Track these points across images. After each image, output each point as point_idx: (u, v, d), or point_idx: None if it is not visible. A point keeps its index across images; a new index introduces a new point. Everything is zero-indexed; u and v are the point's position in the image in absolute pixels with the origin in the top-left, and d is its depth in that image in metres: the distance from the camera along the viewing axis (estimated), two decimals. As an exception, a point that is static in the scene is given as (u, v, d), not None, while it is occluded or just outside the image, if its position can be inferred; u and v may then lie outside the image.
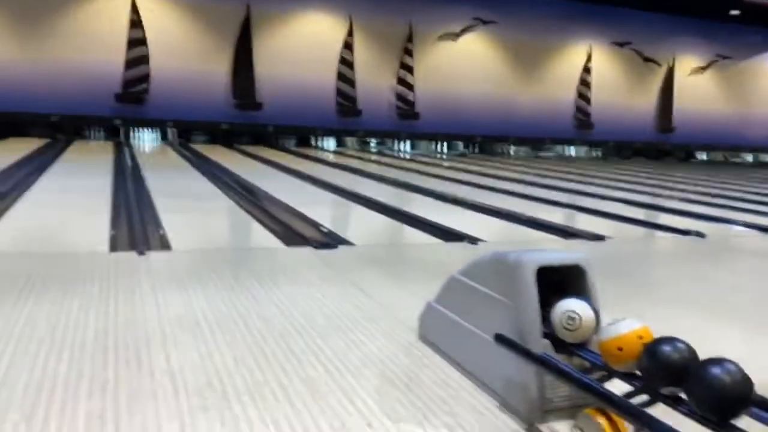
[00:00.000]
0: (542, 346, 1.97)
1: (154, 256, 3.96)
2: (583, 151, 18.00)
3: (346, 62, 15.08)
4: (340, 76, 15.15)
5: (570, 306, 1.96)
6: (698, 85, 18.84)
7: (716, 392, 1.48)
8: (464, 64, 16.19)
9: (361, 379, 2.30)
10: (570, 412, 2.01)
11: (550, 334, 2.01)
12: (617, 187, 9.77)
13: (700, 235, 5.54)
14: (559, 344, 1.99)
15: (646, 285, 4.07)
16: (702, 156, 19.58)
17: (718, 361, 1.52)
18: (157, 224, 5.00)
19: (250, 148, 13.71)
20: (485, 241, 4.94)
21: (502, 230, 5.79)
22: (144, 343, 2.51)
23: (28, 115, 12.72)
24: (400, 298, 3.35)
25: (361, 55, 15.22)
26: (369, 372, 2.37)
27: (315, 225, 5.39)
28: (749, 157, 19.91)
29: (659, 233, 6.03)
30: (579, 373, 1.88)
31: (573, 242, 5.17)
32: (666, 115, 18.44)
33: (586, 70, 17.46)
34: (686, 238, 5.56)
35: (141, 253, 3.96)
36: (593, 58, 17.43)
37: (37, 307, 2.87)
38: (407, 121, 15.81)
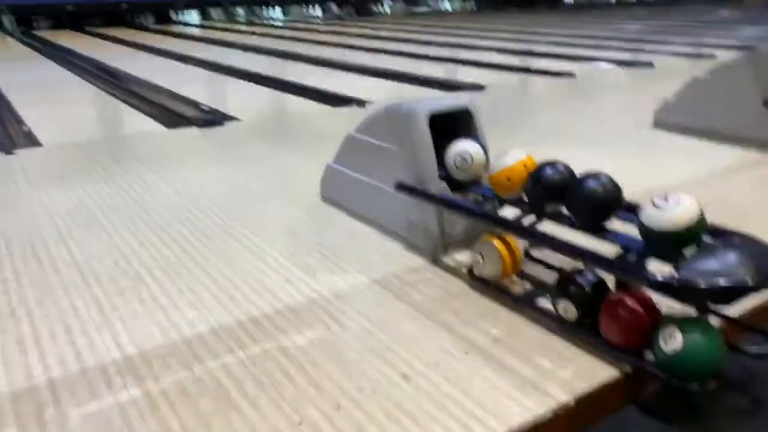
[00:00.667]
0: (440, 188, 2.11)
1: (25, 154, 3.67)
2: (457, 4, 17.93)
3: None
4: (194, -61, 13.73)
5: (461, 147, 2.09)
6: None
7: (591, 200, 1.68)
8: None
9: (273, 242, 2.37)
10: (468, 243, 2.22)
11: (445, 176, 2.14)
12: (493, 36, 9.95)
13: (570, 75, 5.88)
14: (455, 184, 2.14)
15: (526, 125, 4.35)
16: (569, 0, 20.16)
17: (592, 175, 1.72)
18: (18, 121, 4.57)
19: (105, 30, 12.43)
20: (372, 102, 4.97)
21: (386, 90, 5.82)
22: (39, 241, 2.41)
23: None
24: (298, 165, 3.38)
25: None
26: (279, 235, 2.44)
27: (194, 104, 5.15)
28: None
29: (535, 77, 6.31)
30: (474, 205, 2.05)
31: (455, 94, 5.32)
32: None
33: None
34: (559, 79, 5.89)
35: (9, 152, 3.65)
36: None
37: None
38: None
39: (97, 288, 2.02)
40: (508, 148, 2.00)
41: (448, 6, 17.93)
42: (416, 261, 2.18)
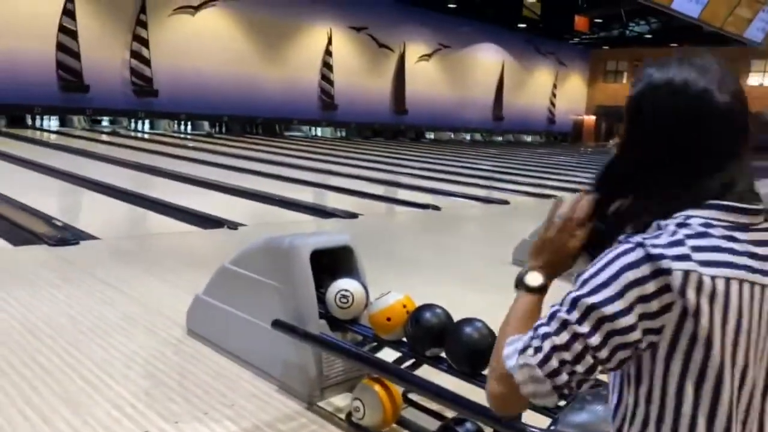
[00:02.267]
0: (319, 327, 2.05)
1: None
2: (328, 131, 18.72)
3: (67, 31, 13.31)
4: (61, 47, 13.34)
5: (342, 285, 2.07)
6: (425, 71, 20.91)
7: (468, 348, 1.71)
8: (205, 39, 15.47)
9: (128, 384, 2.13)
10: (347, 385, 2.14)
11: (325, 314, 2.09)
12: (363, 165, 10.43)
13: (436, 208, 6.24)
14: (334, 323, 2.10)
15: (399, 257, 4.46)
16: (431, 135, 21.88)
17: (468, 322, 1.76)
18: None
19: (-54, 129, 11.43)
20: (245, 225, 4.89)
21: (259, 212, 5.79)
22: None
23: None
24: (160, 293, 3.16)
25: (86, 24, 13.57)
26: (135, 374, 2.20)
27: (46, 218, 4.75)
28: (467, 136, 22.82)
29: (403, 208, 6.60)
30: (353, 346, 2.00)
31: (329, 221, 5.40)
32: (399, 98, 20.16)
33: (328, 52, 18.09)
34: (425, 212, 6.21)
35: None
36: (333, 41, 18.12)
37: None
38: (144, 98, 14.64)
39: None
40: (382, 288, 2.02)
41: (319, 132, 18.68)
42: (291, 406, 2.05)
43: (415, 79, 20.51)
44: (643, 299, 0.73)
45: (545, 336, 0.76)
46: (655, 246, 0.73)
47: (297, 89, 17.44)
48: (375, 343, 2.01)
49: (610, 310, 0.73)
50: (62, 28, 13.37)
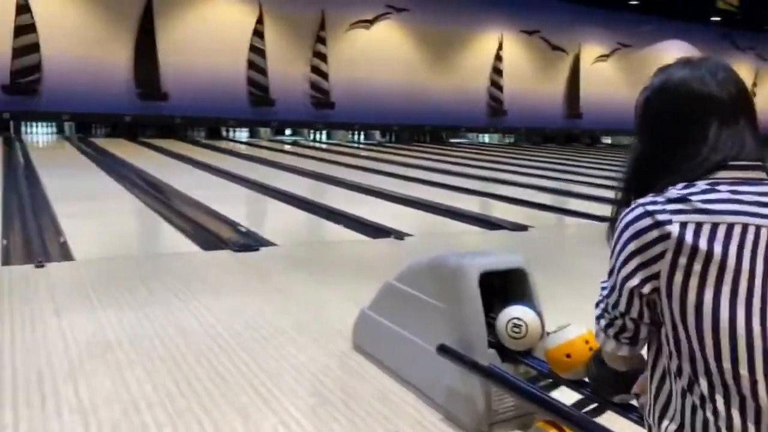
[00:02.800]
0: (488, 357, 1.90)
1: (55, 269, 3.59)
2: (496, 138, 18.42)
3: (256, 50, 14.57)
4: (251, 65, 14.62)
5: (515, 313, 1.89)
6: (602, 72, 19.73)
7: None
8: (378, 52, 16.07)
9: (295, 399, 2.14)
10: (516, 422, 1.96)
11: (495, 342, 1.93)
12: (532, 173, 10.03)
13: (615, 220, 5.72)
14: (505, 353, 1.92)
15: (574, 275, 4.13)
16: (607, 140, 20.58)
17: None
18: (57, 231, 4.58)
19: (157, 141, 13.00)
20: (411, 235, 4.87)
21: (426, 222, 5.75)
22: (48, 375, 2.23)
23: None
24: (330, 303, 3.21)
25: (272, 42, 14.75)
26: (302, 390, 2.22)
27: (232, 224, 5.13)
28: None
29: (578, 220, 6.18)
30: (527, 383, 1.81)
31: (497, 233, 5.20)
32: (573, 101, 19.24)
33: (498, 57, 17.82)
34: (603, 225, 5.72)
35: (39, 265, 3.59)
36: (504, 46, 17.81)
37: None
38: (322, 110, 15.54)
39: (97, 443, 1.81)
40: (558, 314, 1.81)
41: (486, 139, 18.43)
42: (456, 439, 1.91)
43: (591, 81, 19.41)
44: (641, 250, 0.85)
45: (599, 303, 0.97)
46: (654, 203, 0.86)
47: (465, 96, 17.36)
48: (550, 380, 1.81)
49: (617, 265, 0.89)
50: (253, 48, 14.63)
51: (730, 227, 0.81)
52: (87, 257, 3.87)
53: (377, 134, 16.79)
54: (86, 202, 5.97)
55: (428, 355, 2.07)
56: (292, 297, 3.27)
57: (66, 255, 3.90)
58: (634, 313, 0.88)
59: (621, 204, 0.97)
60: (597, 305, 0.96)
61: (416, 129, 17.13)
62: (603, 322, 0.94)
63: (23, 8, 12.20)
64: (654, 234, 0.83)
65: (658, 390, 0.90)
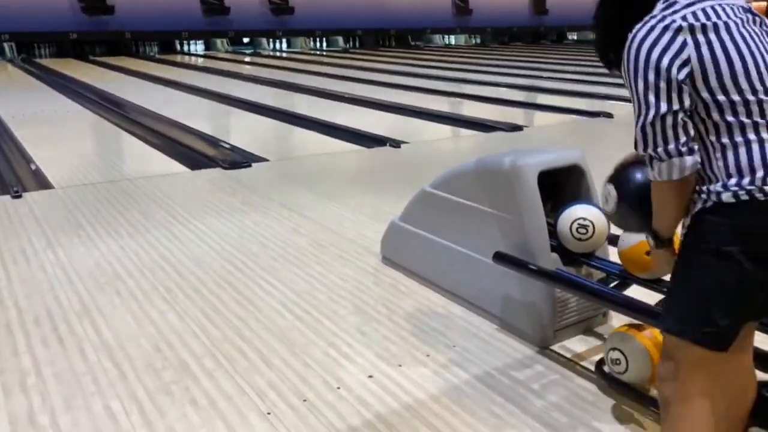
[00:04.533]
0: (552, 262, 1.76)
1: (35, 198, 3.29)
2: (462, 39, 17.81)
3: (206, -46, 13.46)
4: (202, -30, 13.56)
5: (580, 213, 1.74)
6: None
7: None
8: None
9: (338, 320, 2.00)
10: (580, 327, 1.86)
11: (556, 246, 1.79)
12: (513, 74, 9.73)
13: (608, 115, 5.59)
14: (568, 257, 1.79)
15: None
16: (573, 36, 20.14)
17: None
18: (25, 158, 4.21)
19: (108, 59, 12.14)
20: (407, 142, 4.65)
21: (416, 129, 5.51)
22: (59, 313, 2.02)
23: None
24: (342, 217, 3.02)
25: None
26: (342, 309, 2.07)
27: (213, 141, 4.82)
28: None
29: (572, 117, 5.99)
30: (600, 285, 1.69)
31: (494, 135, 5.01)
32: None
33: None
34: (597, 120, 5.58)
35: (16, 195, 3.28)
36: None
37: None
38: (281, 16, 14.66)
39: (136, 383, 1.64)
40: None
41: (453, 41, 17.84)
42: (519, 349, 1.81)
43: (558, -25, 18.71)
44: (666, 48, 1.03)
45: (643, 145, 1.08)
46: (653, 17, 1.06)
47: (429, -4, 16.57)
48: (618, 281, 1.69)
49: (650, 73, 1.04)
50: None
51: (714, 7, 1.04)
52: (66, 183, 3.55)
53: (340, 40, 16.05)
54: (49, 125, 5.51)
55: (479, 265, 1.93)
56: (300, 213, 3.07)
57: (43, 183, 3.57)
58: (676, 104, 1.02)
59: (606, 42, 1.20)
60: (642, 148, 1.07)
61: (381, 33, 16.41)
62: (659, 149, 1.04)
63: None
64: (669, 33, 1.03)
65: (704, 173, 1.05)
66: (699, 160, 1.04)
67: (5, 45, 12.37)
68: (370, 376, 1.67)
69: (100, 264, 2.42)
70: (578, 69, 9.96)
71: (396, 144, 4.56)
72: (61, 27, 12.39)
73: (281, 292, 2.20)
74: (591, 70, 8.79)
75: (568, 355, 1.75)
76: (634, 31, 1.06)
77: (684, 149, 1.03)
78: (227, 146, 4.60)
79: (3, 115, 5.77)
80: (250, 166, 3.98)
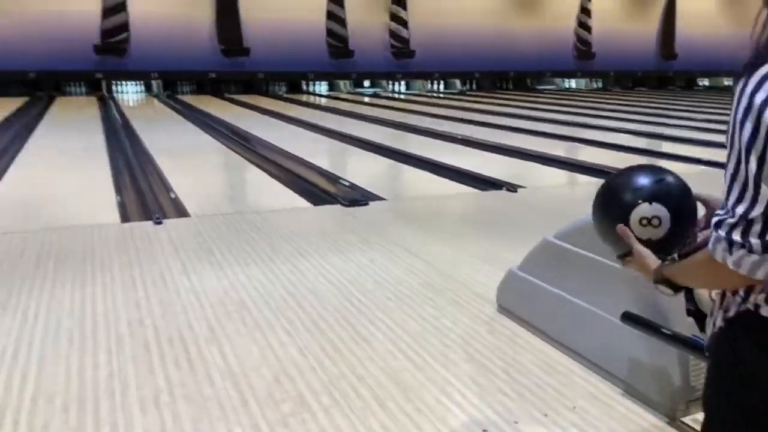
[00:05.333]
0: (687, 326, 1.65)
1: (173, 225, 3.57)
2: (583, 83, 17.42)
3: (335, 0, 14.26)
4: (330, 16, 14.33)
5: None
6: (701, 8, 18.07)
7: None
8: (459, -5, 15.41)
9: (450, 366, 1.98)
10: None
11: (692, 310, 1.68)
12: (636, 120, 9.37)
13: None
14: (702, 320, 1.67)
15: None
16: (704, 82, 19.08)
17: None
18: (166, 186, 4.59)
19: (241, 97, 13.07)
20: (523, 186, 4.58)
21: (533, 173, 5.42)
22: (190, 336, 2.16)
23: (4, 73, 11.98)
24: (458, 261, 3.01)
25: (351, -7, 14.39)
26: (456, 356, 2.05)
27: (334, 178, 5.00)
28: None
29: (701, 167, 5.65)
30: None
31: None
32: (668, 41, 17.82)
33: (586, -4, 16.75)
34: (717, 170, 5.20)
35: (158, 221, 3.57)
36: (593, -17, 16.70)
37: (56, 294, 2.50)
38: (402, 59, 15.13)
39: (257, 412, 1.70)
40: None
41: (573, 84, 17.49)
42: (645, 417, 1.69)
43: (688, 19, 17.92)
44: None
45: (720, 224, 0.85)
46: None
47: (551, 40, 16.44)
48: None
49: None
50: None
51: None
52: (201, 213, 3.83)
53: (458, 82, 16.24)
54: (186, 156, 6.00)
55: (604, 323, 1.84)
56: (415, 254, 3.10)
57: (181, 211, 3.87)
58: None
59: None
60: (718, 228, 0.83)
61: (499, 76, 16.45)
62: (756, 241, 0.79)
63: (110, -32, 12.35)
64: None
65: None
66: None
67: (153, 82, 13.65)
68: (485, 431, 1.63)
69: (228, 292, 2.57)
70: (709, 117, 9.42)
71: (513, 188, 4.50)
72: (202, 67, 13.54)
73: (394, 333, 2.21)
74: (723, 118, 8.24)
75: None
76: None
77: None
78: (346, 184, 4.76)
79: (149, 146, 6.35)
80: (367, 204, 4.08)
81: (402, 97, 14.41)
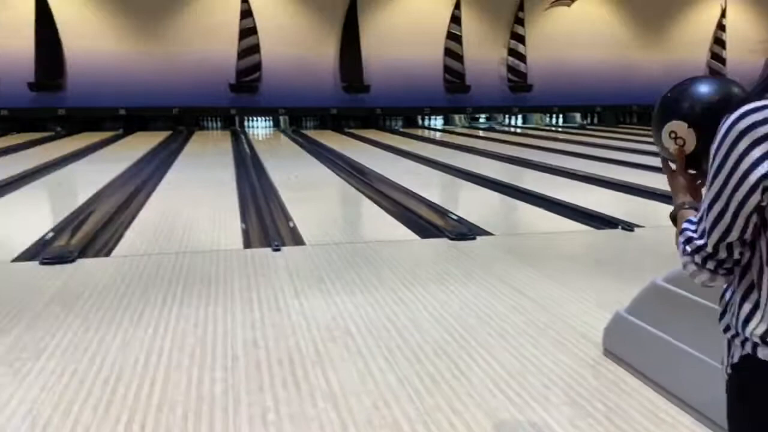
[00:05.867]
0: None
1: (289, 253, 3.79)
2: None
3: (453, 37, 14.48)
4: (448, 52, 14.57)
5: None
6: None
7: None
8: (580, 29, 15.08)
9: (550, 408, 1.95)
10: None
11: None
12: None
13: None
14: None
15: None
16: None
17: None
18: (286, 216, 4.87)
19: (360, 132, 13.58)
20: (641, 226, 4.39)
21: (654, 212, 5.17)
22: (298, 359, 2.30)
23: (151, 109, 13.33)
24: (565, 301, 2.95)
25: (469, 27, 14.56)
26: (556, 398, 2.01)
27: (443, 212, 5.06)
28: None
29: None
30: None
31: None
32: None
33: (720, 27, 15.79)
34: None
35: (276, 248, 3.81)
36: (728, 13, 15.70)
37: (183, 312, 2.75)
38: (519, 93, 15.03)
39: (354, 435, 1.78)
40: None
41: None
42: (762, 480, 1.57)
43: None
44: (760, 140, 0.85)
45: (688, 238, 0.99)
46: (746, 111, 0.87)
47: (680, 72, 15.50)
48: None
49: (732, 173, 0.89)
50: (450, 35, 14.57)
51: None
52: (315, 241, 4.04)
53: (578, 116, 15.84)
54: (306, 188, 6.34)
55: (717, 374, 1.73)
56: (520, 291, 3.07)
57: (297, 239, 4.11)
58: (747, 232, 0.89)
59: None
60: (686, 241, 0.96)
61: (622, 109, 15.85)
62: (697, 258, 0.94)
63: (246, 13, 13.44)
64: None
65: (743, 298, 0.94)
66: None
67: (281, 118, 14.55)
68: (581, 476, 1.59)
69: (335, 317, 2.69)
70: None
71: (629, 227, 4.33)
72: (325, 103, 14.26)
73: (494, 370, 2.21)
74: None
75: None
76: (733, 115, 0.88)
77: (722, 272, 0.94)
78: (454, 217, 4.81)
79: (273, 176, 6.78)
80: (474, 238, 4.10)
81: (518, 130, 14.29)
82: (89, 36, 12.75)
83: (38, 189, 6.30)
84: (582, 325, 2.62)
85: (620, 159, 8.29)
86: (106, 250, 3.81)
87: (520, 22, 14.81)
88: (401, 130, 14.36)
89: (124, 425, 1.84)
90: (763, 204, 0.85)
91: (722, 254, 0.92)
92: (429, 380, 2.13)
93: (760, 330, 0.91)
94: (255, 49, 13.50)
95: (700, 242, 0.92)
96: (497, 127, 15.18)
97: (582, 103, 15.48)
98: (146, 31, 13.19)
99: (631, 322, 2.14)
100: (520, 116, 15.87)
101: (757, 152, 0.84)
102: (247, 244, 4.01)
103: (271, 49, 13.62)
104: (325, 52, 14.15)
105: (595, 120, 15.82)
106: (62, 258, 3.52)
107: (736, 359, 0.96)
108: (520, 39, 14.84)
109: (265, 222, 4.68)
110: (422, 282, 3.20)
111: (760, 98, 0.87)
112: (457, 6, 14.47)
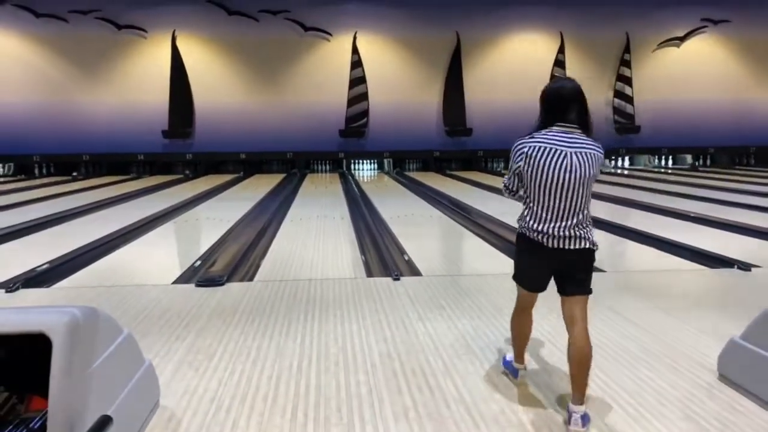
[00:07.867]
0: None
1: (408, 282, 4.12)
2: None
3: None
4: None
5: None
6: None
7: None
8: (690, 69, 14.74)
9: (667, 423, 2.11)
10: None
11: None
12: None
13: None
14: None
15: None
16: None
17: None
18: (400, 249, 5.23)
19: (462, 173, 13.91)
20: (758, 266, 4.35)
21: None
22: (428, 370, 2.59)
23: (268, 154, 14.42)
24: (679, 332, 3.06)
25: (574, 70, 14.63)
26: (673, 415, 2.17)
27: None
28: None
29: None
30: None
31: None
32: None
33: None
34: None
35: (396, 278, 4.15)
36: None
37: (323, 328, 3.13)
38: (625, 135, 14.81)
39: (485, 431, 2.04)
40: None
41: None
42: None
43: None
44: (518, 156, 2.23)
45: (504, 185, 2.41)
46: (522, 138, 2.25)
47: (802, 110, 14.78)
48: None
49: (512, 163, 2.28)
50: (552, 78, 14.69)
51: (544, 147, 2.14)
52: (431, 273, 4.34)
53: (688, 158, 15.32)
54: (415, 225, 6.70)
55: (832, 394, 1.85)
56: (633, 322, 3.21)
57: (414, 270, 4.43)
58: (516, 181, 2.27)
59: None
60: (504, 187, 2.36)
61: (738, 151, 15.17)
62: (505, 192, 2.37)
63: (356, 63, 14.34)
64: (522, 150, 2.19)
65: (522, 211, 2.25)
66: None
67: (385, 160, 15.19)
68: (697, 477, 1.76)
69: (458, 338, 2.97)
70: None
71: (746, 267, 4.30)
72: (428, 147, 14.78)
73: (611, 388, 2.39)
74: None
75: None
76: (517, 142, 2.26)
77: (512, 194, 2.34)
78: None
79: (383, 213, 7.21)
80: (586, 274, 4.23)
81: (625, 172, 14.04)
82: (215, 88, 14.08)
83: (181, 224, 7.09)
84: (696, 353, 2.73)
85: (735, 200, 8.04)
86: (249, 276, 4.32)
87: (626, 64, 14.72)
88: (503, 171, 14.53)
89: (290, 412, 2.20)
90: None
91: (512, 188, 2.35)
92: (551, 393, 2.35)
93: (521, 224, 2.17)
94: (363, 96, 14.32)
95: None
96: (603, 168, 14.95)
97: (693, 144, 14.99)
98: (265, 83, 14.36)
99: (746, 347, 2.27)
100: (627, 158, 15.59)
101: None
102: (369, 274, 4.38)
103: (378, 96, 14.37)
104: (429, 98, 14.72)
105: (708, 162, 15.23)
106: (214, 281, 4.06)
107: (518, 229, 1.88)
108: (627, 81, 14.73)
109: (383, 254, 5.05)
110: (539, 311, 3.39)
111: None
112: (561, 50, 14.63)
